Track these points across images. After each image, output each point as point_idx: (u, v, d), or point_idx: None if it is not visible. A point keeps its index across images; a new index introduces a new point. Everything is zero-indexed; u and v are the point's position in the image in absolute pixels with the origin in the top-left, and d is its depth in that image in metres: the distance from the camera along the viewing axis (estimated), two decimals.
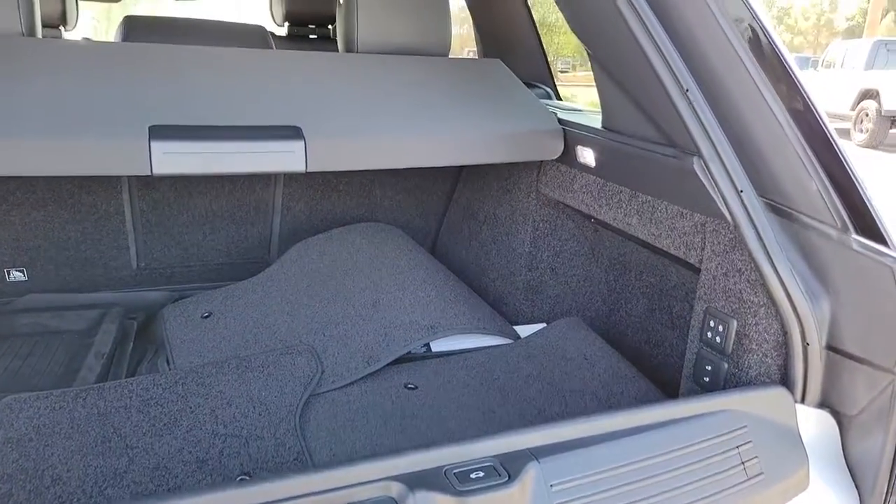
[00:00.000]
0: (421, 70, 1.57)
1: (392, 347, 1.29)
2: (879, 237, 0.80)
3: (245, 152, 1.13)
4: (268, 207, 1.78)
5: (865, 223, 0.81)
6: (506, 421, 1.13)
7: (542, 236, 1.52)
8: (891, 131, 9.69)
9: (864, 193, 0.81)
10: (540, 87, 1.88)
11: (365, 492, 0.66)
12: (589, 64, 1.23)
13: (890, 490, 0.84)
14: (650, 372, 1.33)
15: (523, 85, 1.59)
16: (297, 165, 1.16)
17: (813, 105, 0.83)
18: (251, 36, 1.69)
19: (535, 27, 1.96)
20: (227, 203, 1.74)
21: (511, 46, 2.02)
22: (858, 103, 10.05)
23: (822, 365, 0.87)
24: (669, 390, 1.24)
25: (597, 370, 1.26)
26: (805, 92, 0.83)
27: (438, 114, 1.38)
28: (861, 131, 9.90)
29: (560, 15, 1.21)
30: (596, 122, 1.36)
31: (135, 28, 1.54)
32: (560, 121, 1.42)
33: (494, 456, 0.73)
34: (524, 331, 1.47)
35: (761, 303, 0.92)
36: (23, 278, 1.68)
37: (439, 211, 1.97)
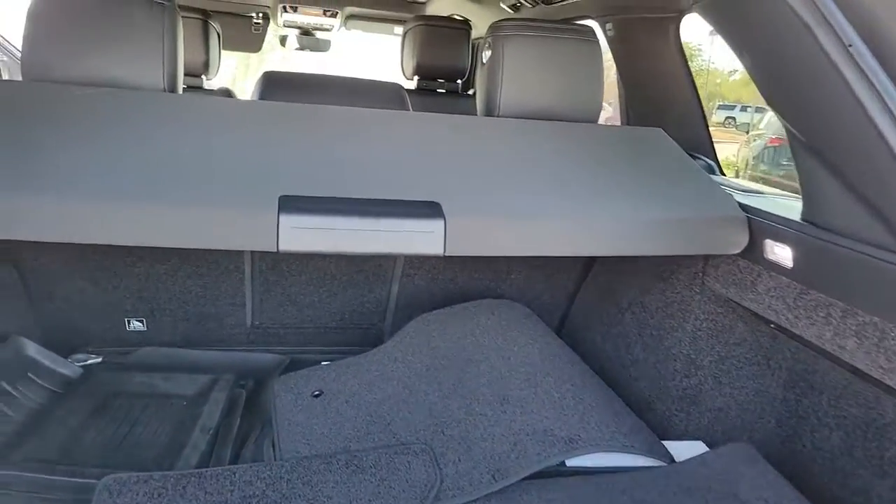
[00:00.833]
0: (568, 138, 1.41)
1: (523, 462, 1.10)
2: None
3: (379, 230, 1.00)
4: (387, 275, 1.67)
5: None
6: None
7: (704, 337, 1.29)
8: None
9: None
10: (700, 159, 1.67)
11: None
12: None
13: None
14: None
15: (692, 160, 1.39)
16: (435, 248, 1.02)
17: None
18: (388, 95, 1.60)
19: (695, 85, 1.76)
20: (347, 267, 1.64)
21: (663, 106, 1.83)
22: None
23: None
24: None
25: None
26: None
27: (590, 192, 1.21)
28: None
29: None
30: (787, 209, 1.13)
31: (273, 84, 1.49)
32: (741, 206, 1.20)
33: None
34: (677, 449, 1.23)
35: None
36: (142, 328, 1.64)
37: (571, 289, 1.77)
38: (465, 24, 2.76)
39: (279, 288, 1.64)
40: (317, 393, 1.36)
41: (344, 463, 1.11)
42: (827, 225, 0.99)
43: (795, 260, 1.03)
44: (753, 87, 1.07)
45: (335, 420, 1.28)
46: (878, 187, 0.86)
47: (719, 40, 1.13)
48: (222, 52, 2.72)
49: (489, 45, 1.51)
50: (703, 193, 1.24)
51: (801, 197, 1.09)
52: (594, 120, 1.55)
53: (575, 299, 1.77)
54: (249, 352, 1.68)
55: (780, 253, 1.06)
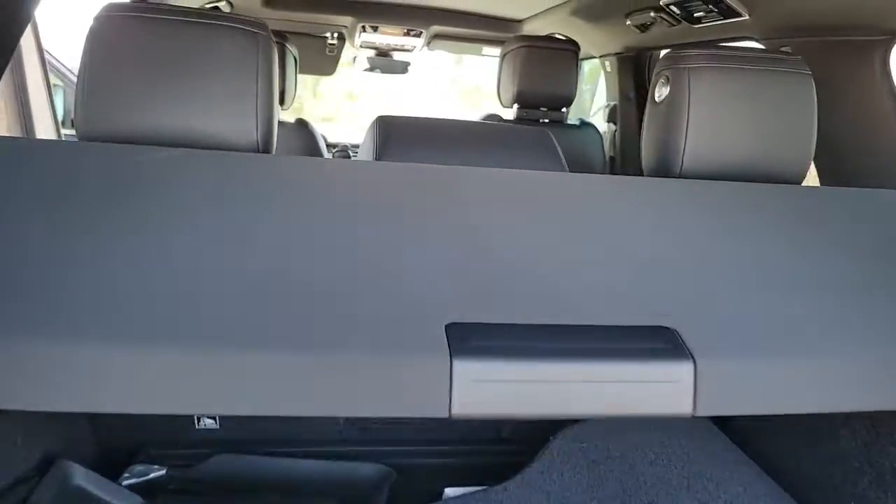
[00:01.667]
0: (793, 208, 1.04)
1: None
2: None
3: (598, 381, 0.65)
4: None
5: None
6: None
7: None
8: None
9: None
10: None
11: None
12: None
13: None
14: None
15: None
16: (681, 406, 0.66)
17: None
18: (536, 142, 1.25)
19: None
20: None
21: (863, 155, 1.43)
22: None
23: None
24: None
25: None
26: None
27: (869, 298, 0.83)
28: None
29: None
30: None
31: (391, 135, 1.15)
32: None
33: None
34: None
35: None
36: (214, 426, 1.34)
37: None
38: (573, 45, 2.40)
39: None
40: None
41: None
42: None
43: None
44: None
45: None
46: None
47: None
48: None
49: (667, 79, 1.15)
50: None
51: None
52: (801, 179, 1.17)
53: None
54: (344, 455, 1.35)
55: None
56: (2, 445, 1.01)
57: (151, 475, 1.22)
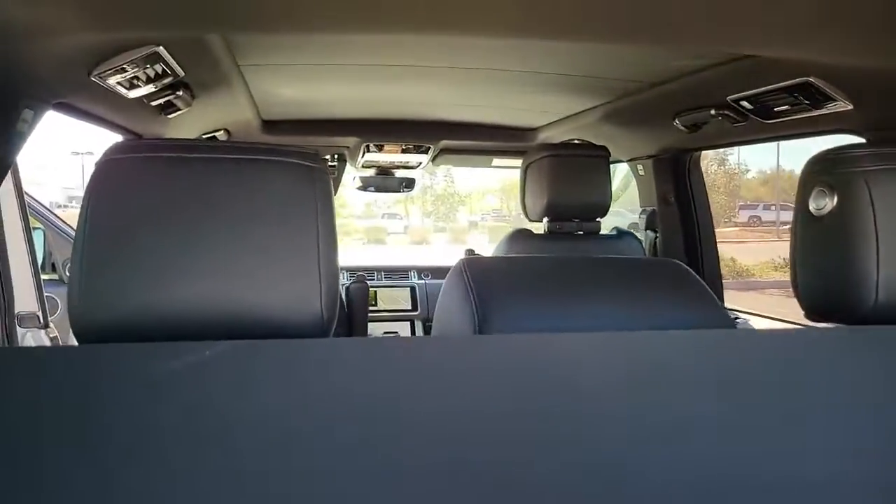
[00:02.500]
0: None
1: None
2: None
3: None
4: None
5: None
6: None
7: None
8: None
9: None
10: None
11: None
12: None
13: None
14: None
15: None
16: None
17: None
18: (680, 283, 0.97)
19: None
20: None
21: None
22: None
23: None
24: None
25: None
26: None
27: None
28: None
29: None
30: None
31: (491, 290, 0.86)
32: None
33: None
34: None
35: None
36: None
37: None
38: (603, 150, 2.22)
39: None
40: None
41: None
42: None
43: None
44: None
45: None
46: None
47: None
48: None
49: (829, 188, 0.91)
50: None
51: None
52: None
53: None
54: None
55: None
56: None
57: None
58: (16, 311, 1.79)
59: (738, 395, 0.65)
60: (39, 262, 2.17)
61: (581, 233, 2.25)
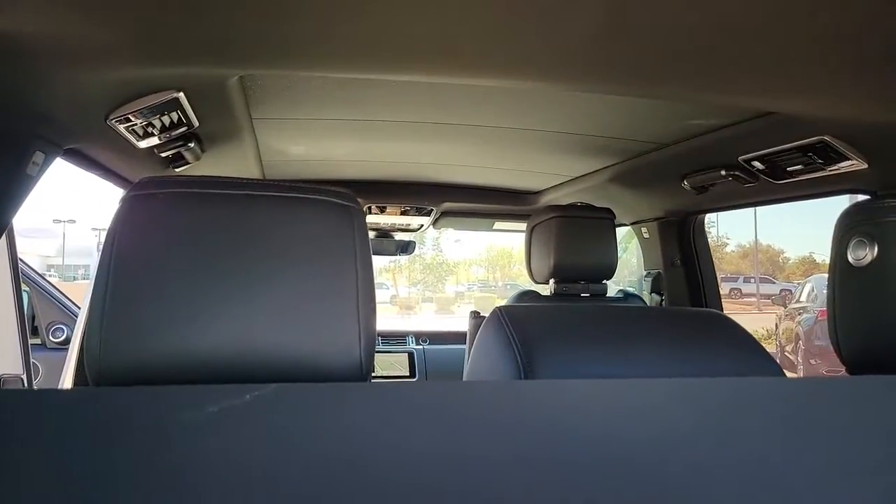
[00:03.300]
0: None
1: None
2: None
3: None
4: None
5: None
6: None
7: None
8: None
9: None
10: None
11: None
12: None
13: None
14: None
15: None
16: None
17: None
18: (720, 330, 0.93)
19: None
20: None
21: None
22: None
23: None
24: None
25: None
26: None
27: None
28: None
29: None
30: None
31: (533, 338, 0.81)
32: None
33: None
34: None
35: None
36: None
37: None
38: (609, 213, 2.22)
39: None
40: None
41: None
42: None
43: None
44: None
45: None
46: None
47: None
48: None
49: (870, 238, 0.89)
50: None
51: None
52: None
53: None
54: None
55: None
56: None
57: None
58: None
59: (793, 444, 0.61)
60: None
61: (587, 295, 2.22)
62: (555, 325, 0.88)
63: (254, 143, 1.71)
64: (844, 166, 1.38)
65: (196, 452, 0.49)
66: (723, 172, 1.65)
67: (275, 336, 0.67)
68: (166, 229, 0.68)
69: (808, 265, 17.54)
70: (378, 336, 2.74)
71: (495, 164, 2.27)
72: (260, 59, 1.00)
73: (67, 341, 2.73)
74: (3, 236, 1.69)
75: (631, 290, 2.38)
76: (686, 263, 2.24)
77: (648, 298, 2.36)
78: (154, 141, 1.32)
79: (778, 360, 0.95)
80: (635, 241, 2.56)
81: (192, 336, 0.64)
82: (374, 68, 1.11)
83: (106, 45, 0.88)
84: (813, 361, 8.90)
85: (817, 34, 0.91)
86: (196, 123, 1.30)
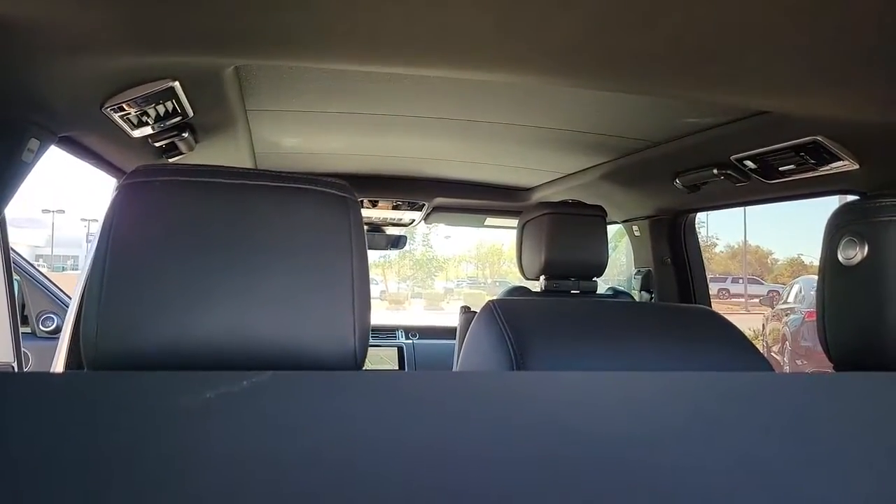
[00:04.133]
0: None
1: None
2: None
3: None
4: None
5: None
6: None
7: None
8: None
9: None
10: None
11: None
12: None
13: None
14: None
15: None
16: None
17: None
18: (713, 328, 0.94)
19: None
20: None
21: None
22: None
23: None
24: None
25: None
26: None
27: None
28: None
29: None
30: None
31: (525, 329, 0.83)
32: None
33: None
34: None
35: None
36: None
37: None
38: (600, 210, 2.24)
39: None
40: None
41: None
42: None
43: None
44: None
45: None
46: None
47: None
48: None
49: (860, 237, 0.90)
50: None
51: None
52: None
53: None
54: None
55: None
56: None
57: None
58: None
59: (779, 439, 0.62)
60: None
61: (577, 291, 2.23)
62: (548, 319, 0.89)
63: (247, 133, 1.71)
64: (836, 167, 1.39)
65: (191, 438, 0.49)
66: (715, 171, 1.67)
67: (270, 325, 0.67)
68: (162, 217, 0.68)
69: (797, 267, 17.68)
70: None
71: (488, 160, 2.27)
72: (255, 49, 1.00)
73: (58, 330, 2.72)
74: None
75: (621, 287, 2.39)
76: (676, 262, 2.26)
77: (638, 296, 2.37)
78: (148, 130, 1.32)
79: None
80: (625, 239, 2.58)
81: (188, 324, 0.65)
82: (369, 61, 1.11)
83: (102, 33, 0.88)
84: (799, 362, 8.98)
85: (812, 34, 0.92)
86: (191, 113, 1.30)
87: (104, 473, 0.45)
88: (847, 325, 0.91)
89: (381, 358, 3.04)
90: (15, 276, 2.50)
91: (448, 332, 2.94)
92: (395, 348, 3.05)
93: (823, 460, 0.60)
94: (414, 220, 2.80)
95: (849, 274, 0.90)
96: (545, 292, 2.18)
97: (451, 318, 2.61)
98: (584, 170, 2.20)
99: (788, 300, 10.52)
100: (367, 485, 0.48)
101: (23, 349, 2.01)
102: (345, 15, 0.90)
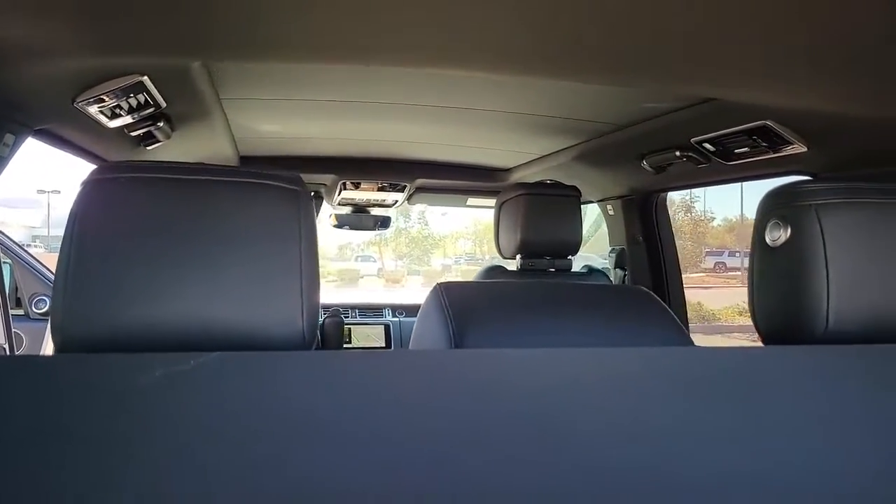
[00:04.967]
0: None
1: None
2: None
3: None
4: None
5: None
6: None
7: None
8: None
9: None
10: None
11: None
12: None
13: None
14: None
15: None
16: None
17: None
18: (644, 307, 1.01)
19: None
20: None
21: None
22: None
23: None
24: None
25: None
26: None
27: None
28: None
29: None
30: None
31: (465, 309, 0.89)
32: None
33: None
34: None
35: None
36: None
37: None
38: (574, 190, 2.29)
39: None
40: None
41: None
42: None
43: None
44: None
45: None
46: None
47: None
48: None
49: (783, 219, 0.96)
50: None
51: None
52: None
53: None
54: None
55: None
56: None
57: None
58: None
59: (700, 409, 0.68)
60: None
61: (553, 270, 2.30)
62: (488, 298, 0.95)
63: (224, 121, 1.76)
64: (787, 149, 1.45)
65: (143, 415, 0.56)
66: (677, 153, 1.72)
67: (226, 310, 0.74)
68: (125, 211, 0.74)
69: None
70: (356, 309, 2.81)
71: (467, 143, 2.32)
72: (218, 49, 1.05)
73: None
74: None
75: (596, 266, 2.45)
76: (648, 240, 2.32)
77: (613, 274, 2.44)
78: (124, 121, 1.37)
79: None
80: None
81: (148, 312, 0.71)
82: (337, 60, 1.15)
83: (64, 37, 0.93)
84: None
85: (754, 26, 0.97)
86: (163, 104, 1.35)
87: (59, 450, 0.51)
88: (771, 301, 0.97)
89: (368, 335, 3.11)
90: (6, 260, 2.56)
91: None
92: (382, 326, 3.13)
93: (752, 429, 0.66)
94: (397, 201, 2.85)
95: (774, 254, 0.96)
96: (521, 271, 2.25)
97: None
98: (558, 151, 2.26)
99: None
100: (304, 459, 0.54)
101: (17, 331, 2.08)
102: (310, 15, 0.95)
